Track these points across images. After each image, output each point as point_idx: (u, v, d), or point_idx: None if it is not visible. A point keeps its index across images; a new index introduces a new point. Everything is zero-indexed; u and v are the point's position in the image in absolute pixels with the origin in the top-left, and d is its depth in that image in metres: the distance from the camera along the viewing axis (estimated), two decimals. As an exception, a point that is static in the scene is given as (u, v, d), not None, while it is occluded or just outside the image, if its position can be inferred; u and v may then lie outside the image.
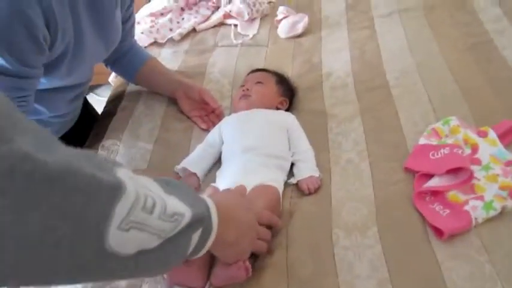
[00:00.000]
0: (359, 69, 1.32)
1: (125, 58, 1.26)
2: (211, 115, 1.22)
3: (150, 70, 1.28)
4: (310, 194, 0.96)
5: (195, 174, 1.02)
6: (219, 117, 1.20)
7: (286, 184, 0.99)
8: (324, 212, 0.92)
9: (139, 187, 0.49)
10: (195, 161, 1.05)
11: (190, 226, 0.56)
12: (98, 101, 1.52)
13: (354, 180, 0.97)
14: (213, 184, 0.98)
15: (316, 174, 0.98)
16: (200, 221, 0.58)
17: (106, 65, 1.29)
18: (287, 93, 1.21)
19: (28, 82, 0.88)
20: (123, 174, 0.48)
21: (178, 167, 1.04)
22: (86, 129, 1.29)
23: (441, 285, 0.76)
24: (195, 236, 0.58)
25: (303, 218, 0.91)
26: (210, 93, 1.23)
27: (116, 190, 0.45)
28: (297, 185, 0.99)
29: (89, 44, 0.99)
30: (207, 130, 1.18)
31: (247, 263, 0.76)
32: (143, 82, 1.31)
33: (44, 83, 0.97)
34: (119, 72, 1.34)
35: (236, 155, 1.01)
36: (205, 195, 0.66)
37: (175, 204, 0.53)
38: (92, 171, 0.43)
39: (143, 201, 0.48)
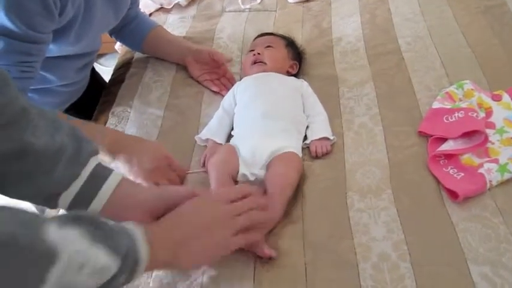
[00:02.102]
0: (370, 33, 1.30)
1: (131, 26, 1.24)
2: (222, 78, 1.21)
3: (157, 38, 1.26)
4: (317, 157, 0.97)
5: (219, 143, 1.01)
6: (230, 80, 1.20)
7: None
8: (337, 175, 0.92)
9: (70, 246, 0.49)
10: (216, 129, 1.04)
11: (118, 272, 0.56)
12: (101, 71, 1.50)
13: (367, 145, 0.97)
14: (229, 143, 0.99)
15: (330, 136, 0.98)
16: (126, 263, 0.57)
17: (111, 35, 1.27)
18: (296, 57, 1.21)
19: (36, 47, 0.87)
20: (54, 233, 0.49)
21: (202, 137, 1.03)
22: (94, 97, 1.28)
23: (456, 247, 0.76)
24: (123, 275, 0.58)
25: (317, 182, 0.91)
26: (220, 52, 1.22)
27: (50, 258, 0.46)
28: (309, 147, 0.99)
29: (98, 11, 0.98)
30: (219, 93, 1.17)
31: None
32: (150, 50, 1.29)
33: (53, 50, 0.96)
34: (125, 41, 1.32)
35: (255, 118, 1.00)
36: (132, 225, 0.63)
37: (103, 258, 0.53)
38: (29, 239, 0.45)
39: (74, 263, 0.49)
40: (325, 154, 0.97)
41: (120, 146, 0.92)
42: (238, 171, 0.92)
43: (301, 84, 1.11)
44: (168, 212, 0.72)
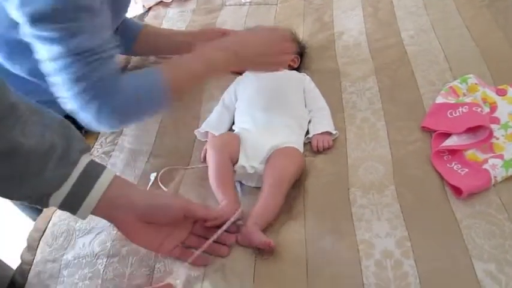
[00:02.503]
0: (372, 27, 1.29)
1: (120, 28, 1.15)
2: None
3: (153, 34, 1.21)
4: (318, 151, 0.96)
5: None
6: None
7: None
8: (340, 171, 0.91)
9: None
10: (216, 124, 1.03)
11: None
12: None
13: (369, 140, 0.96)
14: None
15: (333, 130, 0.97)
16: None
17: None
18: (298, 51, 1.19)
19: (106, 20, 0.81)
20: None
21: (201, 130, 1.02)
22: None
23: (460, 244, 0.75)
24: None
25: (319, 177, 0.90)
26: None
27: None
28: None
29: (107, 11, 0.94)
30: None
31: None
32: (146, 49, 1.23)
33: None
34: None
35: (257, 113, 0.99)
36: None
37: None
38: None
39: None
40: (327, 149, 0.96)
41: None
42: (238, 158, 0.91)
43: (304, 78, 1.10)
44: (156, 220, 0.73)
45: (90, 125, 0.81)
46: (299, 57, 1.18)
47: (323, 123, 0.98)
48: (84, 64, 0.75)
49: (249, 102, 1.03)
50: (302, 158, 0.93)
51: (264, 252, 0.77)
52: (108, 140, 1.05)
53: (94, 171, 0.69)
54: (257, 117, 0.98)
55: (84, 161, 0.68)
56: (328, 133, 0.97)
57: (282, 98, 1.01)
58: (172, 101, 0.86)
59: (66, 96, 0.77)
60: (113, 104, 0.79)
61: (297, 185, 0.89)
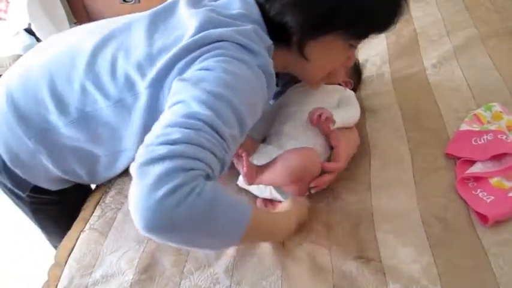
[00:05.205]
0: (395, 55, 1.31)
1: None
2: None
3: None
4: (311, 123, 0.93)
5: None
6: None
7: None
8: (364, 197, 0.91)
9: None
10: None
11: None
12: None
13: (394, 167, 0.96)
14: None
15: (340, 124, 0.94)
16: None
17: None
18: (353, 75, 1.12)
19: None
20: None
21: None
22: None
23: (488, 271, 0.75)
24: None
25: (343, 202, 0.91)
26: None
27: None
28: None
29: None
30: None
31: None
32: None
33: None
34: None
35: (279, 129, 0.98)
36: None
37: None
38: None
39: None
40: (323, 122, 0.92)
41: None
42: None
43: (341, 89, 1.04)
44: None
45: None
46: (352, 82, 1.10)
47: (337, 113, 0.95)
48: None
49: (282, 121, 0.99)
50: (312, 155, 0.87)
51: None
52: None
53: None
54: (279, 133, 0.97)
55: None
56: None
57: (310, 101, 0.99)
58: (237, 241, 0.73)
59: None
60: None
61: (320, 208, 0.90)
